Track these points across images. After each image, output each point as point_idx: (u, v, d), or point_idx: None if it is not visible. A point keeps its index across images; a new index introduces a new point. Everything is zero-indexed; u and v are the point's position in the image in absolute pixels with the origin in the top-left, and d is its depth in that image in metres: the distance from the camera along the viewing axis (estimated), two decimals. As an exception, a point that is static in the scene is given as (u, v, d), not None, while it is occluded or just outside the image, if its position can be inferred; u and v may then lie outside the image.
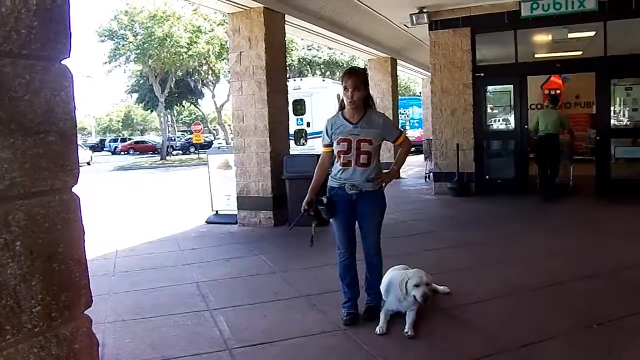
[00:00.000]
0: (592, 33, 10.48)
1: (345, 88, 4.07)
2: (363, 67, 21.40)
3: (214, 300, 4.98)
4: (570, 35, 10.71)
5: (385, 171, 4.29)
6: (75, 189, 1.46)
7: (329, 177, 4.29)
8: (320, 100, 16.07)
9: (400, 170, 15.89)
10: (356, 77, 4.09)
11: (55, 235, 1.39)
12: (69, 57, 1.42)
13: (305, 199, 4.26)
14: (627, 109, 10.54)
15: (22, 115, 1.30)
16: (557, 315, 4.19)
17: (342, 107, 4.24)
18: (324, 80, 20.19)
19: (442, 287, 4.83)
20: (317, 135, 14.47)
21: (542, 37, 11.26)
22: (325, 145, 4.31)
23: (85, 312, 1.54)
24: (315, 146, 10.44)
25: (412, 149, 21.16)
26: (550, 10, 9.92)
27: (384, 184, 4.26)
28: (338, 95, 13.42)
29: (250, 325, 4.30)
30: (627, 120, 10.61)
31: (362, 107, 4.15)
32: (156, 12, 28.91)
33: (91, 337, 1.55)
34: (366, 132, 4.10)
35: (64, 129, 1.41)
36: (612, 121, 10.37)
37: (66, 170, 1.42)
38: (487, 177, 11.16)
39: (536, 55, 11.72)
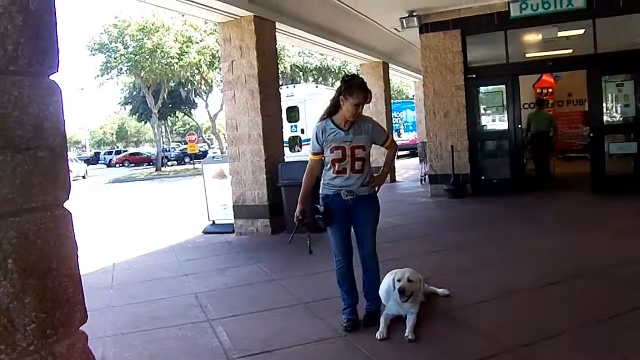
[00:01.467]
0: (581, 31, 10.51)
1: (357, 104, 3.97)
2: (355, 72, 21.39)
3: (212, 311, 4.96)
4: (560, 34, 10.74)
5: (376, 175, 4.31)
6: (67, 205, 1.45)
7: (321, 185, 4.27)
8: (314, 107, 16.06)
9: (396, 174, 15.88)
10: (368, 94, 4.05)
11: (48, 251, 1.38)
12: (57, 71, 1.41)
13: (298, 209, 4.24)
14: (619, 105, 10.58)
15: (11, 132, 1.29)
16: (557, 314, 4.18)
17: (330, 113, 4.19)
18: (317, 87, 20.21)
19: (441, 290, 4.83)
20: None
21: (532, 37, 11.29)
22: (315, 153, 4.25)
23: (80, 327, 1.52)
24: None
25: (407, 152, 21.24)
26: (539, 9, 9.97)
27: (377, 187, 4.28)
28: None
29: (250, 334, 4.28)
30: (620, 116, 10.65)
31: None
32: (145, 23, 28.90)
33: (87, 353, 1.53)
34: (359, 138, 4.09)
35: (54, 144, 1.40)
36: (605, 117, 10.39)
37: (57, 186, 1.41)
38: (482, 177, 11.18)
39: (527, 55, 11.75)
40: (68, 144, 1.52)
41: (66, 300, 1.44)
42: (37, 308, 1.34)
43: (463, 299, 4.70)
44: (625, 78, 10.32)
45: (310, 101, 17.11)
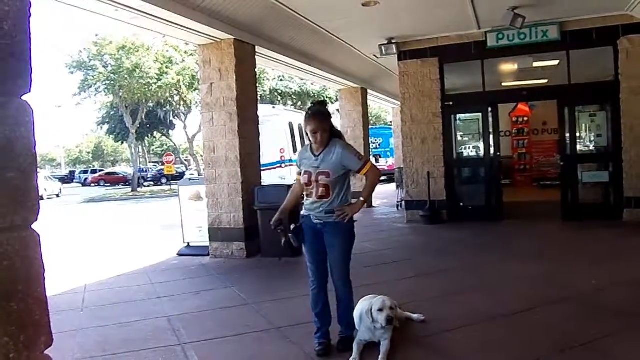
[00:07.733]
0: (556, 62, 10.79)
1: (313, 132, 4.06)
2: (327, 99, 21.10)
3: (185, 334, 4.89)
4: (535, 64, 11.01)
5: (354, 200, 4.25)
6: (35, 226, 1.43)
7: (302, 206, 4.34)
8: (271, 129, 14.91)
9: (373, 199, 15.69)
10: (321, 121, 4.09)
11: (14, 273, 1.35)
12: (29, 92, 1.40)
13: (274, 217, 4.29)
14: (592, 134, 10.81)
15: (-20, 152, 1.27)
16: (531, 341, 4.21)
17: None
18: (274, 107, 19.35)
19: (416, 315, 4.83)
20: (268, 167, 13.61)
21: (508, 66, 11.54)
22: (298, 174, 4.36)
23: (45, 351, 1.49)
24: (265, 179, 9.91)
25: (383, 177, 20.88)
26: (515, 40, 10.21)
27: (348, 216, 4.11)
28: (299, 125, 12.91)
29: (223, 359, 4.22)
30: (593, 146, 10.88)
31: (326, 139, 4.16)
32: (125, 43, 28.83)
33: (52, 378, 1.50)
34: (324, 164, 4.08)
35: (24, 165, 1.38)
36: (578, 147, 10.61)
37: (26, 207, 1.39)
38: (459, 204, 11.26)
39: (503, 84, 11.98)
40: (42, 162, 1.50)
41: (31, 324, 1.40)
42: (0, 331, 1.31)
43: (438, 325, 4.71)
44: (598, 109, 10.59)
45: (268, 123, 16.25)
